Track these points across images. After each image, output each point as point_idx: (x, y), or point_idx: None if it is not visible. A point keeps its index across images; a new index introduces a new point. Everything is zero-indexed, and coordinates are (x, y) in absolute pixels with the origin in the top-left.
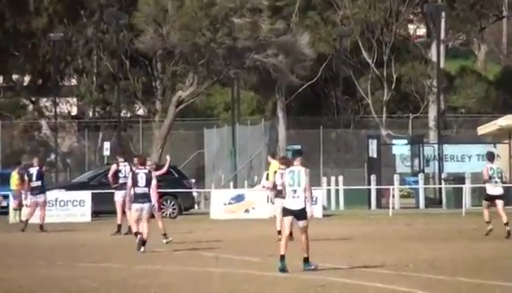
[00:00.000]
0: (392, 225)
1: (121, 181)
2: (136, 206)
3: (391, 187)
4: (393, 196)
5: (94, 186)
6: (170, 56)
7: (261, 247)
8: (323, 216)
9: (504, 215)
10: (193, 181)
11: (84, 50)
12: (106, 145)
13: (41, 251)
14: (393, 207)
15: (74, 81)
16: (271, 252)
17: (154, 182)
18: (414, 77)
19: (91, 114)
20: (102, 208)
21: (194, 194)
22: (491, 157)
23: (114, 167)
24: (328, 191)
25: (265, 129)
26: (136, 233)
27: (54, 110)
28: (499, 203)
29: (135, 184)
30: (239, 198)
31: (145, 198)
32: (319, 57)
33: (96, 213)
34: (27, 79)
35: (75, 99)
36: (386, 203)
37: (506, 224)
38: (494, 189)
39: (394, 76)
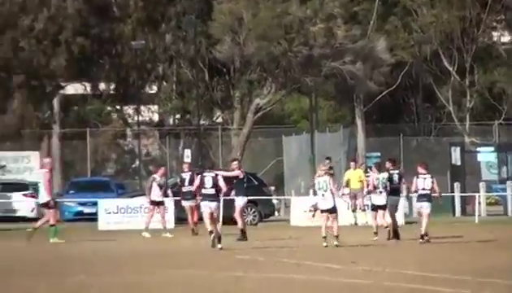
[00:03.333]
0: (478, 232)
1: (244, 186)
2: (204, 203)
3: (476, 194)
4: (479, 203)
5: (176, 193)
6: (247, 64)
7: (342, 253)
8: (405, 223)
9: None
10: (273, 188)
11: (164, 57)
12: (187, 152)
13: (128, 257)
14: (479, 215)
15: (155, 89)
16: (353, 259)
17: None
18: (498, 84)
19: (171, 121)
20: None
21: (274, 201)
22: (378, 167)
23: (198, 179)
24: (410, 199)
25: (344, 137)
26: (211, 232)
27: (136, 117)
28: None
29: (202, 186)
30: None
31: (212, 197)
32: (398, 64)
33: (179, 220)
34: (111, 87)
35: (156, 107)
36: (471, 210)
37: None
38: None
39: (477, 84)
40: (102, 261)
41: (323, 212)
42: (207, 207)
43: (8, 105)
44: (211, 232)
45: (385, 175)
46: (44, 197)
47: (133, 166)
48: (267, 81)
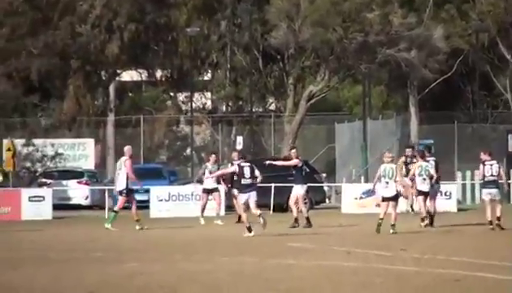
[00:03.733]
0: None
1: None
2: (243, 196)
3: None
4: None
5: (226, 180)
6: (302, 51)
7: (393, 241)
8: (458, 210)
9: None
10: (324, 175)
11: (219, 44)
12: (239, 139)
13: (179, 245)
14: None
15: (208, 76)
16: (403, 246)
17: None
18: None
19: (224, 108)
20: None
21: (325, 188)
22: (422, 154)
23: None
24: (463, 186)
25: (396, 124)
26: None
27: (190, 104)
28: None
29: (242, 176)
30: (370, 193)
31: (250, 188)
32: (454, 51)
33: (229, 207)
34: (166, 74)
35: (209, 94)
36: None
37: None
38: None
39: None
40: (154, 249)
41: (384, 200)
42: (245, 197)
43: (65, 92)
44: (260, 215)
45: (428, 163)
46: (121, 184)
47: (185, 153)
48: (321, 68)
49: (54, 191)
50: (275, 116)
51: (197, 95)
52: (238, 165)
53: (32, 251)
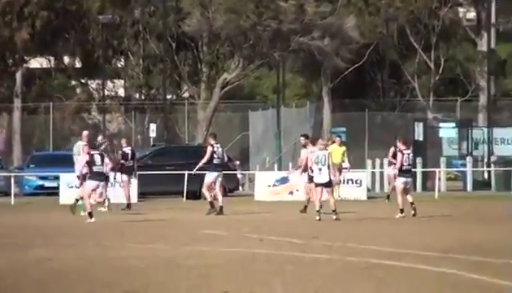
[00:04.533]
0: (438, 207)
1: (215, 162)
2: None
3: (437, 170)
4: (439, 179)
5: (140, 167)
6: (215, 39)
7: (305, 229)
8: (368, 198)
9: None
10: (238, 162)
11: (132, 32)
12: (153, 127)
13: (90, 231)
14: (439, 190)
15: (121, 64)
16: (314, 234)
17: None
18: (462, 61)
19: (137, 96)
20: (148, 190)
21: (239, 175)
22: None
23: (210, 149)
24: (373, 174)
25: (310, 112)
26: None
27: (102, 92)
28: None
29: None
30: (283, 181)
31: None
32: (365, 41)
33: (142, 194)
34: (75, 61)
35: (122, 81)
36: (432, 185)
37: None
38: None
39: (442, 60)
40: (64, 235)
41: (317, 185)
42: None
43: None
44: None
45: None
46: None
47: (97, 141)
48: (235, 56)
49: None
50: (189, 104)
51: (109, 83)
52: (88, 153)
53: None
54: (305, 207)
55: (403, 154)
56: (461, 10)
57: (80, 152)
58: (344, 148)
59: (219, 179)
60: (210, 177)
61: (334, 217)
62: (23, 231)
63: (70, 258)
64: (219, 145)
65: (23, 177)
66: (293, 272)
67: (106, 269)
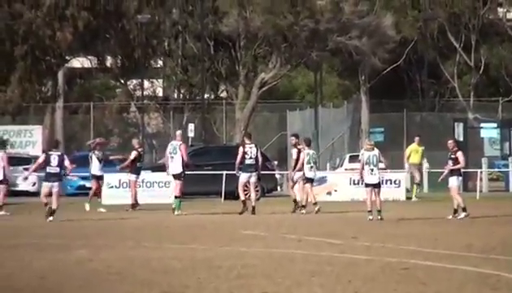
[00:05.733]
0: (479, 208)
1: (247, 162)
2: (246, 175)
3: (478, 170)
4: (481, 179)
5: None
6: (253, 39)
7: (343, 229)
8: (407, 198)
9: None
10: (276, 163)
11: (170, 32)
12: (191, 126)
13: (129, 231)
14: (481, 191)
15: (160, 63)
16: (353, 234)
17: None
18: (503, 61)
19: (176, 96)
20: (187, 190)
21: (277, 176)
22: (308, 143)
23: (241, 149)
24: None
25: (347, 112)
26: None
27: (141, 91)
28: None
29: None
30: (321, 181)
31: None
32: (403, 40)
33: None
34: (116, 61)
35: (161, 81)
36: (473, 186)
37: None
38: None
39: (482, 60)
40: (104, 236)
41: (368, 186)
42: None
43: (12, 77)
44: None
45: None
46: (177, 168)
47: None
48: (273, 56)
49: None
50: (227, 104)
51: (148, 83)
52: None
53: None
54: (302, 206)
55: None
56: (500, 10)
57: (176, 151)
58: (422, 148)
59: (253, 179)
60: (242, 177)
61: (379, 217)
62: (65, 232)
63: (110, 259)
64: (253, 145)
65: (65, 177)
66: (332, 272)
67: (145, 270)
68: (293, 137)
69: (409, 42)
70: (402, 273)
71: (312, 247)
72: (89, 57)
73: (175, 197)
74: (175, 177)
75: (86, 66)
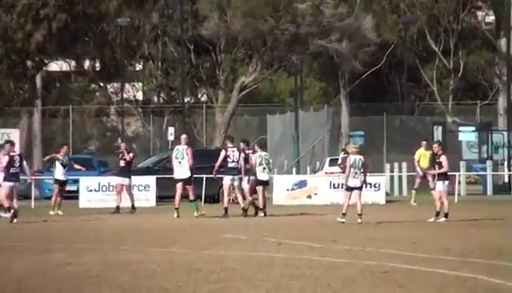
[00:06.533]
0: (457, 211)
1: (230, 165)
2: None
3: (456, 174)
4: (459, 183)
5: (159, 171)
6: (233, 42)
7: (323, 232)
8: (386, 202)
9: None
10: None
11: (150, 35)
12: (171, 130)
13: (108, 235)
14: (459, 194)
15: (140, 67)
16: (333, 238)
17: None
18: (482, 65)
19: (156, 99)
20: (166, 193)
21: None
22: (260, 145)
23: (223, 152)
24: (392, 177)
25: (328, 116)
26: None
27: (120, 95)
28: None
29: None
30: (301, 184)
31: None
32: (383, 43)
33: (160, 198)
34: (94, 64)
35: (140, 84)
36: (451, 189)
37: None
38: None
39: (461, 64)
40: (82, 239)
41: (349, 189)
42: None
43: None
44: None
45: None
46: (186, 173)
47: (116, 144)
48: (253, 59)
49: None
50: (207, 107)
51: (127, 86)
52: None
53: None
54: (246, 210)
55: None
56: (480, 13)
57: (183, 156)
58: (430, 152)
59: (235, 183)
60: (225, 180)
61: (359, 221)
62: (43, 235)
63: (89, 262)
64: (235, 148)
65: (43, 180)
66: (311, 276)
67: (124, 274)
68: (242, 143)
69: (389, 46)
70: (381, 276)
71: (292, 250)
72: (67, 60)
73: (191, 201)
74: (186, 182)
75: (64, 69)
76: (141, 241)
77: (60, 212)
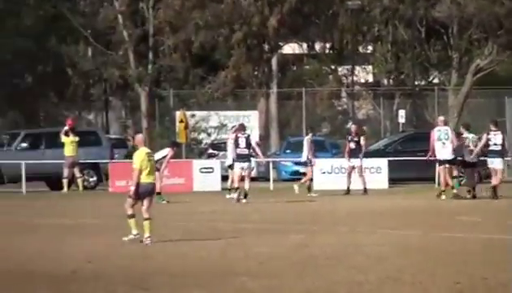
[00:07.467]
0: None
1: (239, 152)
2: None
3: None
4: None
5: (390, 153)
6: (467, 25)
7: None
8: None
9: None
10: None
11: (381, 18)
12: (401, 113)
13: (342, 217)
14: None
15: (370, 49)
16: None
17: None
18: None
19: (386, 82)
20: (398, 175)
21: None
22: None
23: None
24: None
25: None
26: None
27: (351, 78)
28: None
29: (237, 146)
30: None
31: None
32: None
33: (392, 180)
34: (326, 46)
35: (370, 67)
36: None
37: None
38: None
39: None
40: (318, 221)
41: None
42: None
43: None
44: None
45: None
46: (450, 154)
47: (347, 126)
48: (488, 42)
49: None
50: (439, 89)
51: (358, 69)
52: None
53: (202, 221)
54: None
55: None
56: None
57: (448, 136)
58: None
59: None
60: (236, 167)
61: None
62: (282, 217)
63: (325, 244)
64: (246, 134)
65: (280, 162)
66: None
67: (358, 255)
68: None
69: None
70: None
71: None
72: (301, 43)
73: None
74: (450, 162)
75: (297, 52)
76: (375, 223)
77: (314, 194)
